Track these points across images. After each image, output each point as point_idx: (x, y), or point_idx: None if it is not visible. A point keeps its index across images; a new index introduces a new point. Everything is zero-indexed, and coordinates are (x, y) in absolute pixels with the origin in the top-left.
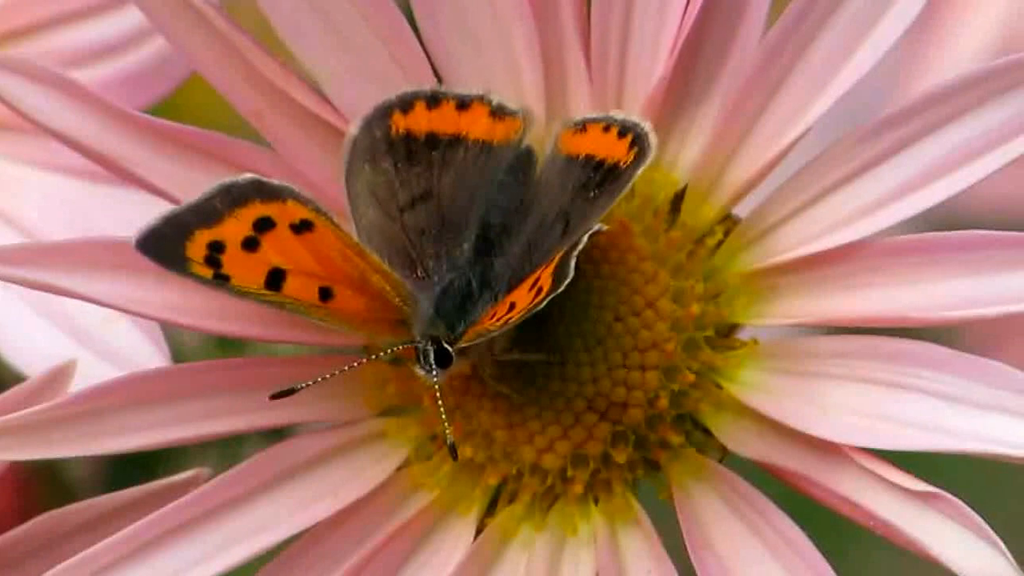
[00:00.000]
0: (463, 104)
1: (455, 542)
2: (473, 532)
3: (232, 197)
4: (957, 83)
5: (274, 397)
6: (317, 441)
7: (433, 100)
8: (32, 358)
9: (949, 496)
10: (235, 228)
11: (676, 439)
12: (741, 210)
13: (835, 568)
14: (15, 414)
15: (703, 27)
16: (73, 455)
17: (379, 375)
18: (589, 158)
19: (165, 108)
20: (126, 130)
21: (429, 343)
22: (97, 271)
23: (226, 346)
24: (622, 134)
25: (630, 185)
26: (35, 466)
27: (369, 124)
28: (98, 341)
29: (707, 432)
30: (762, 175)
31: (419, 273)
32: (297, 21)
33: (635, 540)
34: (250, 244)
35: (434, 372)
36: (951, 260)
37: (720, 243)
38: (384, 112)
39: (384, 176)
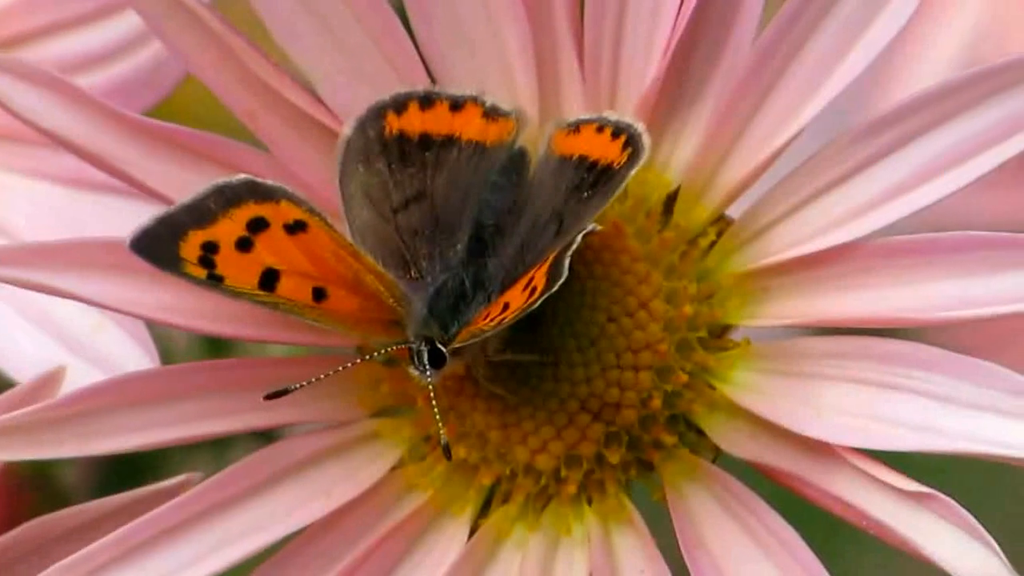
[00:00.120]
0: (456, 105)
1: (449, 542)
2: (467, 532)
3: (226, 197)
4: (949, 85)
5: (268, 398)
6: (311, 441)
7: (427, 101)
8: (21, 364)
9: (942, 496)
10: (229, 228)
11: (669, 439)
12: (734, 211)
13: (828, 568)
14: (5, 416)
15: (696, 28)
16: (64, 456)
17: (373, 376)
18: (582, 159)
19: (159, 109)
20: (119, 130)
21: (423, 344)
22: (90, 271)
23: (216, 347)
24: (615, 135)
25: (623, 186)
26: (26, 473)
27: (363, 125)
28: (88, 347)
29: (700, 432)
30: (755, 176)
31: (413, 274)
32: (291, 22)
33: (628, 540)
34: (244, 244)
35: (428, 373)
36: (944, 261)
37: (713, 244)
38: (378, 113)
39: (378, 177)
